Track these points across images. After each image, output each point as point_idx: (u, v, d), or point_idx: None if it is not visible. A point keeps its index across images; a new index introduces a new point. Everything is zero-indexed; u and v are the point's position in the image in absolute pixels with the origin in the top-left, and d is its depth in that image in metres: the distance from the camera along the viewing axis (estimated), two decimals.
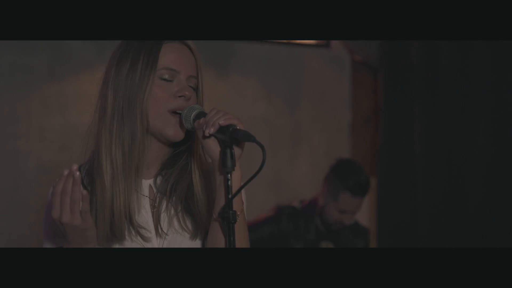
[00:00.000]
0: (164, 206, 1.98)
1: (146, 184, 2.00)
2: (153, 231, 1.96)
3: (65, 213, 1.77)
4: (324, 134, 5.20)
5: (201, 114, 1.90)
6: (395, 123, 5.00)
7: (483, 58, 4.69)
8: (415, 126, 4.91)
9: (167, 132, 1.95)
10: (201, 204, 1.97)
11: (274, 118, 5.04)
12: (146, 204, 1.98)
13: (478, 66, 4.71)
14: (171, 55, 1.97)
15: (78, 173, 1.76)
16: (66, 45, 4.38)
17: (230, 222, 1.82)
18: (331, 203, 3.79)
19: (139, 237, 1.91)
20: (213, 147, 1.88)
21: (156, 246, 1.94)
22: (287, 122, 5.09)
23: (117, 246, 1.91)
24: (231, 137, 1.82)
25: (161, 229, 1.96)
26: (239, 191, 1.85)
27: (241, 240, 1.89)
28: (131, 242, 1.92)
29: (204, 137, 1.87)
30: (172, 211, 1.98)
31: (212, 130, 1.84)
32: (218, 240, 1.90)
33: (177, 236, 1.96)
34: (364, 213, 5.08)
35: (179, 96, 1.95)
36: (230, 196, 1.83)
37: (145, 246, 1.92)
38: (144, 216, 1.96)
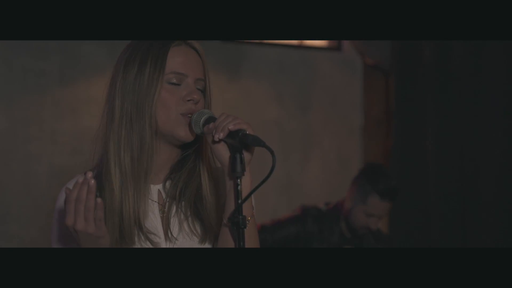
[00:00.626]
0: (173, 211, 1.98)
1: (155, 189, 1.99)
2: (162, 236, 1.95)
3: (80, 221, 1.75)
4: (336, 137, 5.20)
5: (211, 119, 1.89)
6: (407, 125, 4.99)
7: (495, 59, 4.67)
8: (427, 128, 4.90)
9: (178, 133, 1.94)
10: (209, 206, 1.96)
11: (286, 122, 5.03)
12: (155, 209, 1.97)
13: (490, 67, 4.69)
14: (179, 59, 1.96)
15: (93, 181, 1.74)
16: (78, 49, 4.39)
17: (240, 227, 1.82)
18: (359, 206, 3.79)
19: (148, 242, 1.91)
20: (223, 152, 1.88)
21: None
22: (298, 125, 5.08)
23: None
24: (240, 142, 1.82)
25: (171, 234, 1.95)
26: (248, 196, 1.84)
27: (251, 245, 1.89)
28: (140, 248, 1.91)
29: (214, 142, 1.87)
30: (182, 216, 1.97)
31: (221, 135, 1.83)
32: (228, 245, 1.89)
33: (187, 241, 1.95)
34: None
35: (188, 100, 1.94)
36: (239, 201, 1.83)
37: None
38: (153, 222, 1.95)
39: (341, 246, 3.87)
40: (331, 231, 3.86)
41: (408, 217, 4.94)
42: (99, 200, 1.76)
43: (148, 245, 1.91)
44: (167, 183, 2.01)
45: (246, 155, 1.86)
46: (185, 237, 1.95)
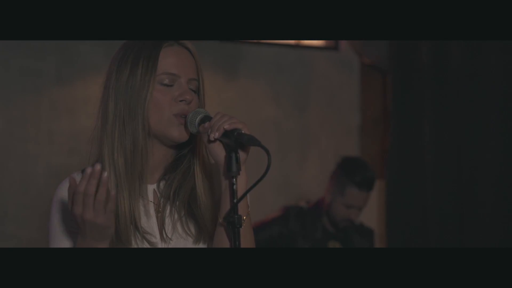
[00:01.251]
0: (168, 211, 1.98)
1: (150, 189, 1.99)
2: (158, 236, 1.95)
3: (88, 212, 1.73)
4: (333, 137, 5.20)
5: (206, 118, 1.89)
6: (405, 125, 4.99)
7: (493, 59, 4.67)
8: (425, 128, 4.90)
9: (171, 134, 1.93)
10: (204, 206, 1.96)
11: (283, 121, 5.03)
12: (150, 209, 1.97)
13: (488, 67, 4.69)
14: (170, 59, 1.95)
15: (105, 173, 1.73)
16: (75, 49, 4.39)
17: (235, 226, 1.82)
18: (338, 198, 3.85)
19: (145, 242, 1.91)
20: (219, 151, 1.88)
21: None
22: (296, 125, 5.08)
23: None
24: (236, 141, 1.82)
25: (165, 234, 1.95)
26: (244, 195, 1.84)
27: (247, 244, 1.89)
28: (136, 248, 1.90)
29: (209, 141, 1.87)
30: (176, 216, 1.97)
31: (217, 135, 1.83)
32: (223, 244, 1.89)
33: (181, 241, 1.95)
34: (373, 215, 5.07)
35: (180, 101, 1.93)
36: (235, 201, 1.83)
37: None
38: (149, 221, 1.95)
39: (325, 241, 3.91)
40: (314, 227, 3.91)
41: (405, 216, 4.94)
42: (113, 192, 1.75)
43: (145, 245, 1.91)
44: (162, 183, 2.00)
45: (241, 154, 1.86)
46: (179, 237, 1.95)
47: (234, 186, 1.84)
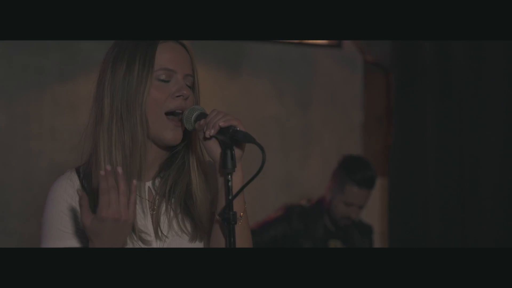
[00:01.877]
0: (163, 208, 1.97)
1: (145, 186, 1.99)
2: (152, 235, 1.95)
3: (114, 209, 1.75)
4: (336, 135, 5.20)
5: (202, 116, 1.90)
6: (407, 123, 5.00)
7: (495, 58, 4.68)
8: (427, 126, 4.90)
9: (165, 136, 1.93)
10: (199, 203, 1.97)
11: (286, 119, 5.03)
12: (145, 207, 1.97)
13: (490, 66, 4.70)
14: (167, 55, 1.96)
15: (120, 169, 1.76)
16: (77, 46, 4.39)
17: (230, 223, 1.82)
18: (338, 196, 3.86)
19: (140, 242, 1.90)
20: (214, 148, 1.89)
21: None
22: (298, 122, 5.08)
23: None
24: (231, 138, 1.83)
25: (161, 232, 1.95)
26: (239, 192, 1.85)
27: (243, 241, 1.90)
28: (132, 247, 1.90)
29: (205, 138, 1.88)
30: (172, 214, 1.97)
31: (212, 132, 1.84)
32: (220, 241, 1.90)
33: (176, 239, 1.95)
34: (375, 213, 5.07)
35: (178, 96, 1.94)
36: (230, 197, 1.84)
37: None
38: (143, 220, 1.95)
39: (327, 240, 3.92)
40: (315, 226, 3.92)
41: (407, 214, 4.95)
42: (134, 181, 1.78)
43: (139, 244, 1.90)
44: (157, 181, 2.00)
45: (237, 151, 1.86)
46: (175, 235, 1.95)
47: (230, 183, 1.85)
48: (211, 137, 1.86)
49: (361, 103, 5.31)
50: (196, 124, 1.90)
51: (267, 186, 4.82)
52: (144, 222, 1.95)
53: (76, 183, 1.96)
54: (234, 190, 1.85)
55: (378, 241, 5.03)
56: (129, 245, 1.90)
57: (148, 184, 2.00)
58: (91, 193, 1.89)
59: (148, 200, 1.98)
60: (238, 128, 1.83)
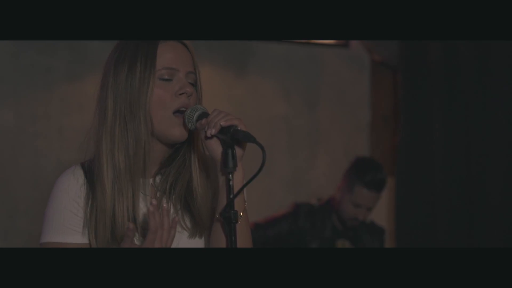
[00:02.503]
0: (164, 205, 1.98)
1: (147, 183, 2.01)
2: None
3: (159, 243, 1.82)
4: (343, 134, 5.20)
5: (204, 115, 1.91)
6: (414, 122, 5.00)
7: (501, 57, 4.67)
8: (434, 126, 4.90)
9: (173, 133, 1.95)
10: (199, 199, 1.98)
11: (293, 118, 5.03)
12: (147, 203, 1.98)
13: (497, 65, 4.69)
14: (168, 54, 1.97)
15: (165, 204, 1.82)
16: (85, 45, 4.41)
17: (231, 222, 1.84)
18: (347, 196, 3.87)
19: (142, 238, 1.93)
20: (215, 147, 1.90)
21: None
22: (306, 121, 5.08)
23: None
24: (232, 137, 1.84)
25: None
26: (240, 191, 1.87)
27: (244, 240, 1.91)
28: (135, 242, 1.92)
29: (207, 138, 1.89)
30: (172, 210, 1.99)
31: (213, 131, 1.86)
32: (220, 240, 1.92)
33: (176, 235, 1.95)
34: (382, 212, 5.07)
35: (181, 94, 1.95)
36: (231, 196, 1.86)
37: None
38: (145, 216, 1.96)
39: (335, 240, 3.93)
40: (323, 225, 3.93)
41: (414, 214, 4.95)
42: (176, 218, 1.83)
43: (140, 240, 1.92)
44: (158, 177, 2.02)
45: (238, 150, 1.88)
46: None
47: (231, 182, 1.87)
48: (212, 136, 1.88)
49: (368, 103, 5.31)
50: (198, 123, 1.91)
51: (274, 185, 4.83)
52: (146, 219, 1.96)
53: (81, 178, 1.98)
54: (235, 189, 1.87)
55: (386, 242, 5.03)
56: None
57: (150, 181, 2.02)
58: (92, 195, 1.94)
59: (150, 197, 1.99)
60: (239, 128, 1.84)
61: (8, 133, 4.28)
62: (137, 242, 1.90)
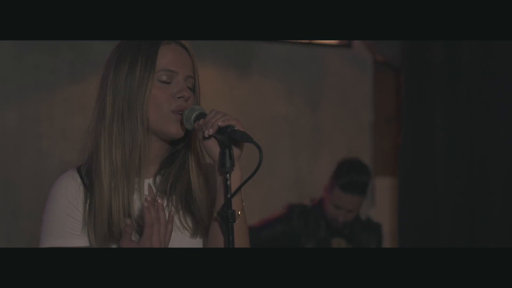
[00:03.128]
0: (164, 205, 1.99)
1: (146, 183, 2.03)
2: None
3: (156, 239, 1.83)
4: (346, 134, 5.20)
5: (202, 115, 1.93)
6: (417, 123, 5.00)
7: (504, 58, 4.66)
8: (437, 126, 4.90)
9: (169, 130, 1.97)
10: (199, 201, 2.00)
11: (296, 119, 5.04)
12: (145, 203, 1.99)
13: (500, 66, 4.69)
14: (169, 56, 1.99)
15: (159, 200, 1.84)
16: (88, 47, 4.42)
17: (229, 221, 1.86)
18: (328, 198, 3.88)
19: (138, 237, 1.93)
20: (213, 147, 1.92)
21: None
22: (308, 122, 5.09)
23: (115, 246, 1.94)
24: (229, 137, 1.86)
25: None
26: (237, 190, 1.88)
27: (241, 239, 1.93)
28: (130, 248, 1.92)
29: (204, 138, 1.91)
30: (173, 210, 2.00)
31: (211, 131, 1.87)
32: (218, 239, 1.93)
33: (178, 234, 1.98)
34: (384, 213, 5.07)
35: (178, 97, 1.97)
36: (228, 196, 1.87)
37: None
38: (141, 213, 1.96)
39: (330, 239, 3.93)
40: (317, 226, 3.93)
41: (417, 214, 4.95)
42: (172, 211, 1.87)
43: (137, 239, 1.92)
44: (157, 178, 2.04)
45: (235, 150, 1.89)
46: (176, 231, 1.98)
47: (228, 182, 1.88)
48: (210, 136, 1.89)
49: (371, 103, 5.31)
50: (196, 123, 1.93)
51: (277, 186, 4.83)
52: (142, 215, 1.97)
53: (78, 181, 2.01)
54: (233, 189, 1.88)
55: (387, 241, 5.03)
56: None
57: (149, 181, 2.04)
58: (90, 192, 1.96)
59: (148, 196, 2.00)
60: (236, 128, 1.86)
61: (12, 134, 4.29)
62: (133, 239, 1.90)
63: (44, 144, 4.36)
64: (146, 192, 2.01)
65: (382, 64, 5.30)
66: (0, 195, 4.29)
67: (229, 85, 4.79)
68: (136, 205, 1.98)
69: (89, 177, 1.99)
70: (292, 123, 5.03)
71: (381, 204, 5.22)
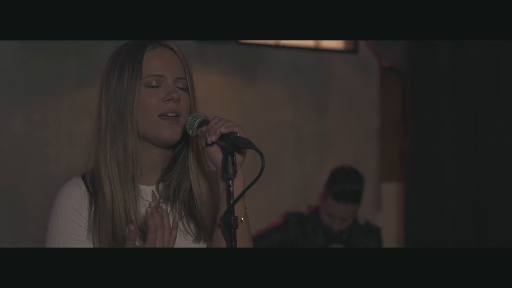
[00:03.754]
0: (168, 211, 2.01)
1: (149, 190, 2.04)
2: None
3: (160, 243, 1.84)
4: (352, 140, 5.20)
5: (204, 122, 1.94)
6: (423, 128, 5.00)
7: (510, 61, 4.66)
8: (443, 131, 4.90)
9: (162, 135, 1.98)
10: (201, 205, 2.02)
11: (302, 124, 5.04)
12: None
13: (506, 69, 4.69)
14: (154, 61, 2.00)
15: (163, 206, 1.85)
16: (95, 51, 4.43)
17: (231, 227, 1.87)
18: (323, 206, 3.85)
19: (141, 241, 1.94)
20: (216, 154, 1.93)
21: None
22: (314, 127, 5.09)
23: None
24: (232, 144, 1.87)
25: None
26: (239, 197, 1.89)
27: (244, 245, 1.95)
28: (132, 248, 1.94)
29: (207, 144, 1.92)
30: (177, 216, 2.02)
31: (214, 138, 1.88)
32: (221, 245, 1.95)
33: (181, 240, 1.99)
34: (391, 218, 5.07)
35: (168, 100, 1.98)
36: (231, 202, 1.88)
37: None
38: (145, 219, 1.97)
39: (328, 245, 3.91)
40: (314, 233, 3.91)
41: (423, 219, 4.95)
42: (177, 217, 1.89)
43: (141, 244, 1.94)
44: (160, 185, 2.06)
45: (238, 157, 1.91)
46: (180, 236, 1.99)
47: (231, 188, 1.89)
48: (212, 143, 1.90)
49: (377, 108, 5.31)
50: (198, 130, 1.94)
51: (283, 191, 4.83)
52: (145, 221, 1.98)
53: (83, 188, 2.03)
54: (235, 195, 1.89)
55: (393, 245, 5.03)
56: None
57: (152, 188, 2.05)
58: (95, 199, 1.98)
59: (153, 203, 2.01)
60: (239, 134, 1.87)
61: (19, 139, 4.30)
62: (137, 245, 1.92)
63: (51, 149, 4.37)
64: (149, 198, 2.03)
65: (388, 69, 5.30)
66: (7, 200, 4.30)
67: (235, 91, 4.80)
68: (140, 212, 1.99)
69: (93, 184, 2.02)
70: (298, 129, 5.03)
71: (387, 209, 5.21)
